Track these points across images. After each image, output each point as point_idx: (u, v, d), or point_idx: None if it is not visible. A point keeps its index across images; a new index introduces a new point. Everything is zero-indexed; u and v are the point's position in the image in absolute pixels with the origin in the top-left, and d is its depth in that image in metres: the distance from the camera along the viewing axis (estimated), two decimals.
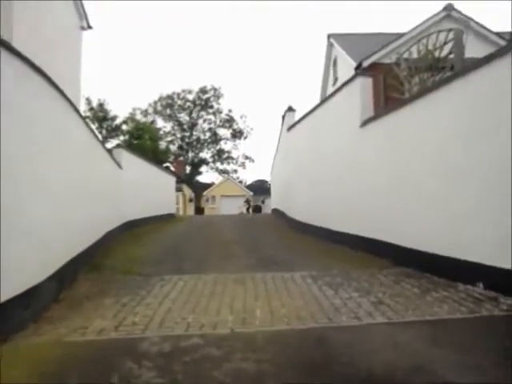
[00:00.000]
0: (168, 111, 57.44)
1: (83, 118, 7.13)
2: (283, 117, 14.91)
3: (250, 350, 3.09)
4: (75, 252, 5.62)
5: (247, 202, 44.74)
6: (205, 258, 7.62)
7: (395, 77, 8.30)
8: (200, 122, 59.05)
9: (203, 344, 3.23)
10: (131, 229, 11.36)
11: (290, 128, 13.56)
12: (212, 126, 59.36)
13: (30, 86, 4.07)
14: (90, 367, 2.88)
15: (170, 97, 57.36)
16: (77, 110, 6.42)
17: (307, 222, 11.09)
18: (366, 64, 13.35)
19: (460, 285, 4.73)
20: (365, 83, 7.71)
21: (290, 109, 13.99)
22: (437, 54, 7.27)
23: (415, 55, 7.97)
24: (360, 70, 10.58)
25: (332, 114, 9.42)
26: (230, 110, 58.87)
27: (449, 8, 14.17)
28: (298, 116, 13.36)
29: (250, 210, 43.98)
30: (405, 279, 5.29)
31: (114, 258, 7.28)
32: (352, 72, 12.70)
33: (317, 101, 20.59)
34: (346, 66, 16.12)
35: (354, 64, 14.37)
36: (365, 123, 7.45)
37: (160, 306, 4.28)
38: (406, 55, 8.33)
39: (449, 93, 5.23)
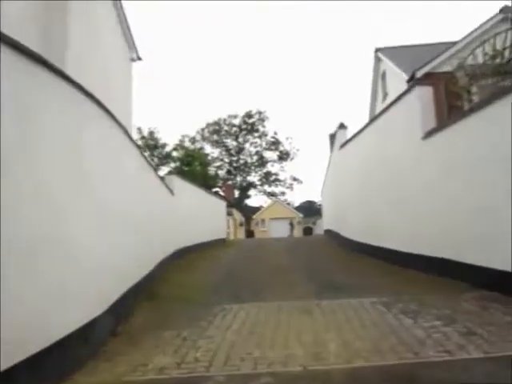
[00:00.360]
0: (215, 137, 58.46)
1: (138, 146, 7.11)
2: (332, 135, 14.54)
3: None
4: (132, 282, 5.47)
5: (291, 224, 47.99)
6: (262, 284, 7.28)
7: (457, 84, 7.74)
8: (247, 145, 59.58)
9: None
10: (184, 255, 11.26)
11: (342, 146, 13.13)
12: (258, 149, 59.69)
13: (82, 113, 3.99)
14: None
15: (216, 123, 58.43)
16: (131, 138, 6.40)
17: (365, 242, 10.51)
18: (419, 74, 12.72)
19: None
20: (424, 92, 7.24)
21: (342, 126, 13.57)
22: (507, 54, 6.67)
23: (480, 58, 7.38)
24: (415, 80, 10.05)
25: (389, 129, 8.95)
26: (275, 133, 59.04)
27: (506, 10, 13.09)
28: (349, 134, 12.95)
29: (294, 232, 45.40)
30: (491, 304, 4.68)
31: (170, 286, 7.11)
32: (403, 85, 12.18)
33: (366, 118, 20.05)
34: (397, 80, 15.53)
35: (406, 77, 13.78)
36: (428, 135, 6.93)
37: (223, 340, 3.97)
38: (470, 59, 7.75)
39: None
